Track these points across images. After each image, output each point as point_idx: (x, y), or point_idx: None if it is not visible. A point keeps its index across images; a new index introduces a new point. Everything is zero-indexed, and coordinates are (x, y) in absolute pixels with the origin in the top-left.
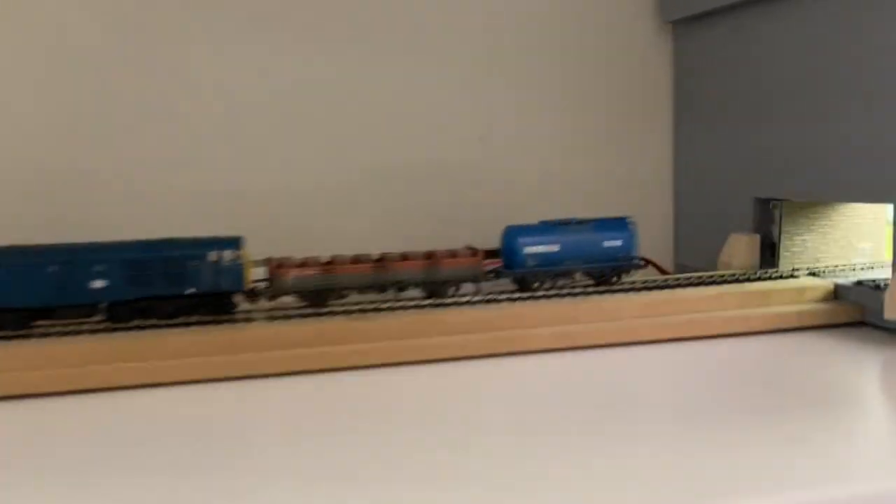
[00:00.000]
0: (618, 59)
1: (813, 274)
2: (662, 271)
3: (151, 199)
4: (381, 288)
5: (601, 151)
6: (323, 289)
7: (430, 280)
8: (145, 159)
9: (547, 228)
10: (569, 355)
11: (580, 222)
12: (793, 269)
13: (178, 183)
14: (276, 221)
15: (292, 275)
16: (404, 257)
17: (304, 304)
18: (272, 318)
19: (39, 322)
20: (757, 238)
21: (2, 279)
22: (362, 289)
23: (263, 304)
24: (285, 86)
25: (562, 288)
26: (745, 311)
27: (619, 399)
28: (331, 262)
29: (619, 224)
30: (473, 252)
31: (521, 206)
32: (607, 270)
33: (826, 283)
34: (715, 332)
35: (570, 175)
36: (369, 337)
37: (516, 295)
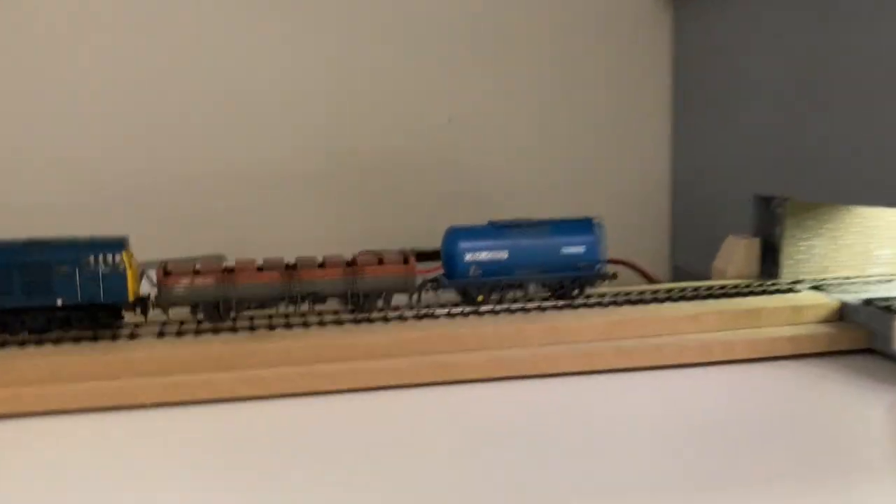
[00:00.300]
0: (613, 40)
1: (817, 287)
2: (648, 277)
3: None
4: (293, 300)
5: (592, 140)
6: (222, 301)
7: (353, 291)
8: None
9: (494, 231)
10: (510, 387)
11: (534, 224)
12: (794, 282)
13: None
14: (231, 213)
15: (183, 284)
16: (321, 264)
17: (201, 318)
18: (162, 335)
19: None
20: (756, 242)
21: None
22: (269, 301)
23: (158, 317)
24: (248, 70)
25: (512, 302)
26: (728, 335)
27: (557, 452)
28: (231, 270)
29: (581, 226)
30: (404, 258)
31: (499, 200)
32: (567, 281)
33: (829, 301)
34: (690, 359)
35: (556, 166)
36: (267, 360)
37: (454, 310)
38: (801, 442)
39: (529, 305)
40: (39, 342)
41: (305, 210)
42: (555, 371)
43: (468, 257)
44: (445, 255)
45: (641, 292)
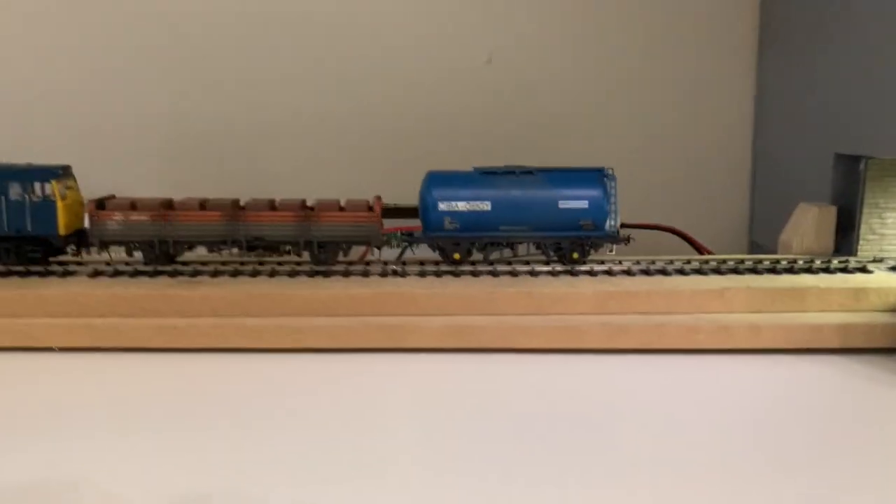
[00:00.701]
0: None
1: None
2: (697, 248)
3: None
4: (237, 244)
5: (661, 91)
6: (158, 240)
7: (306, 240)
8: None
9: (475, 179)
10: (468, 360)
11: (526, 172)
12: (872, 260)
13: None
14: (260, 161)
15: (116, 219)
16: (271, 206)
17: (135, 260)
18: (97, 275)
19: None
20: (830, 211)
21: None
22: (211, 244)
23: (93, 255)
24: (271, 10)
25: (495, 264)
26: (757, 318)
27: (504, 437)
28: (170, 206)
29: (585, 178)
30: (368, 206)
31: (545, 153)
32: (566, 243)
33: None
34: (699, 344)
35: (615, 119)
36: (187, 310)
37: (428, 269)
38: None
39: (519, 269)
40: None
41: (333, 157)
42: (526, 346)
43: (442, 207)
44: (420, 204)
45: (668, 262)
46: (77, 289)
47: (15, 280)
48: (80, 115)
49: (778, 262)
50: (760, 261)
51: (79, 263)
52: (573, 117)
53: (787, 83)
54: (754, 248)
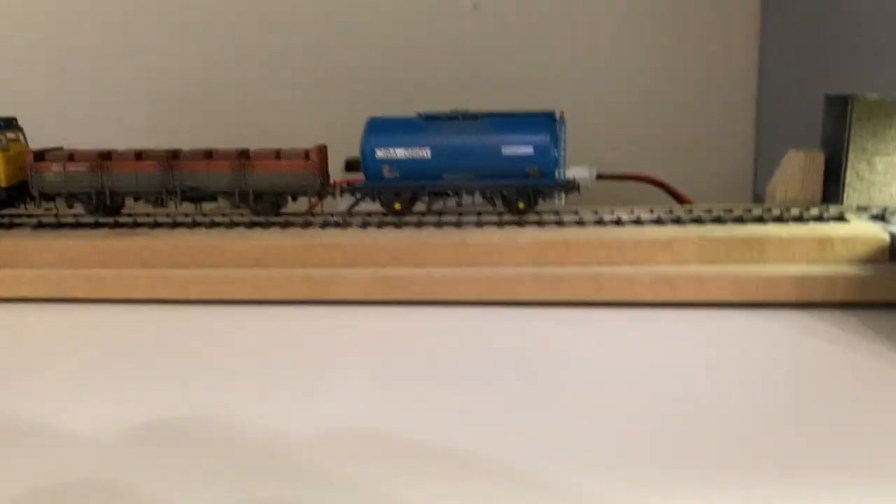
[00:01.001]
0: None
1: (881, 218)
2: (677, 197)
3: None
4: (173, 194)
5: (664, 35)
6: (96, 191)
7: (242, 190)
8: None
9: (415, 124)
10: (391, 313)
11: (469, 117)
12: (858, 209)
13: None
14: (241, 108)
15: (55, 170)
16: (208, 155)
17: (81, 210)
18: (40, 227)
19: None
20: (816, 157)
21: None
22: (148, 195)
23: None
24: None
25: (439, 215)
26: (705, 269)
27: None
28: (107, 157)
29: (531, 123)
30: (306, 154)
31: (533, 100)
32: (511, 192)
33: (878, 235)
34: (640, 296)
35: (610, 67)
36: (117, 261)
37: (370, 220)
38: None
39: (466, 220)
40: None
41: (320, 104)
42: (455, 298)
43: (380, 155)
44: (360, 153)
45: (629, 211)
46: (8, 241)
47: None
48: (67, 68)
49: (749, 210)
50: (730, 210)
51: (28, 215)
52: (566, 63)
53: (789, 24)
54: (758, 200)
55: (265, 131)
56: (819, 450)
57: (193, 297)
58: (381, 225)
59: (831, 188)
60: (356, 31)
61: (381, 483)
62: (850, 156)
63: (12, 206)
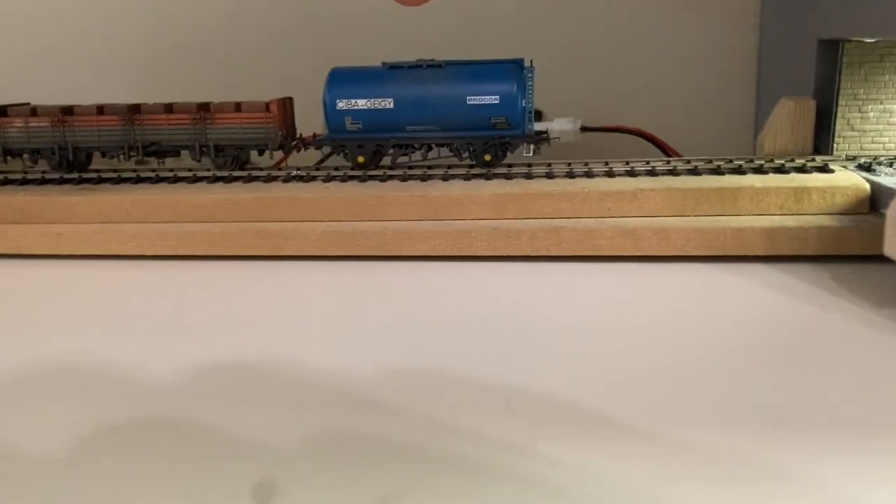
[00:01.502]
0: None
1: (867, 168)
2: (666, 150)
3: None
4: (133, 150)
5: None
6: (57, 147)
7: (201, 143)
8: None
9: (377, 74)
10: (345, 268)
11: (435, 66)
12: (847, 159)
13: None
14: (224, 62)
15: (17, 126)
16: (167, 109)
17: (41, 167)
18: (4, 182)
19: None
20: (808, 105)
21: None
22: (109, 149)
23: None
24: None
25: (407, 169)
26: (670, 221)
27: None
28: (70, 112)
29: (496, 71)
30: (266, 106)
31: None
32: (477, 144)
33: (857, 185)
34: (598, 251)
35: (609, 12)
36: (74, 216)
37: (333, 174)
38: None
39: (432, 174)
40: None
41: (306, 57)
42: (410, 253)
43: (341, 105)
44: (323, 104)
45: (603, 164)
46: None
47: None
48: (51, 24)
49: (730, 161)
50: (710, 160)
51: None
52: (556, 11)
53: None
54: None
55: (238, 86)
56: (783, 409)
57: (147, 252)
58: (345, 179)
59: (822, 138)
60: None
61: None
62: (841, 103)
63: None
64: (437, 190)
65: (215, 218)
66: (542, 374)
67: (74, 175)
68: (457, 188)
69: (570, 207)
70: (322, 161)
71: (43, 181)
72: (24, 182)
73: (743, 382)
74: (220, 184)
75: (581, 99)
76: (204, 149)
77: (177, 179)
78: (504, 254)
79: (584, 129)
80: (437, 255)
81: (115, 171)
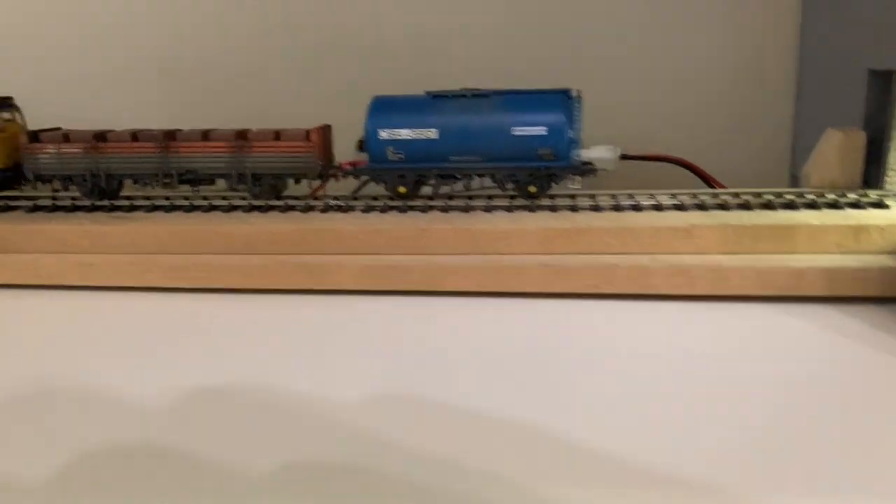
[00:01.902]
0: None
1: None
2: (708, 181)
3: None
4: (169, 177)
5: (695, 6)
6: (91, 173)
7: (239, 171)
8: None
9: (421, 103)
10: (388, 302)
11: (480, 95)
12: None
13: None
14: (252, 88)
15: (49, 152)
16: (205, 136)
17: (76, 194)
18: (34, 210)
19: None
20: (858, 137)
21: None
22: (144, 177)
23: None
24: None
25: (447, 199)
26: (727, 260)
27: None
28: (103, 138)
29: (544, 101)
30: (306, 135)
31: (565, 78)
32: (522, 175)
33: None
34: (653, 290)
35: (646, 37)
36: (109, 246)
37: (373, 203)
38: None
39: (473, 205)
40: None
41: (334, 85)
42: (455, 288)
43: (383, 135)
44: (365, 133)
45: (648, 196)
46: (4, 225)
47: None
48: (78, 47)
49: (780, 195)
50: (759, 194)
51: (26, 198)
52: (594, 39)
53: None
54: (796, 183)
55: (273, 112)
56: (843, 460)
57: (182, 284)
58: (385, 210)
59: (872, 171)
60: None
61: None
62: (895, 135)
63: (8, 188)
64: (481, 223)
65: (253, 250)
66: (607, 419)
67: (106, 202)
68: (502, 221)
69: (620, 243)
70: (358, 189)
71: (74, 208)
72: (54, 209)
73: (812, 437)
74: (257, 213)
75: (610, 126)
76: (241, 177)
77: (211, 208)
78: (553, 291)
79: (624, 157)
80: (483, 290)
81: (147, 198)
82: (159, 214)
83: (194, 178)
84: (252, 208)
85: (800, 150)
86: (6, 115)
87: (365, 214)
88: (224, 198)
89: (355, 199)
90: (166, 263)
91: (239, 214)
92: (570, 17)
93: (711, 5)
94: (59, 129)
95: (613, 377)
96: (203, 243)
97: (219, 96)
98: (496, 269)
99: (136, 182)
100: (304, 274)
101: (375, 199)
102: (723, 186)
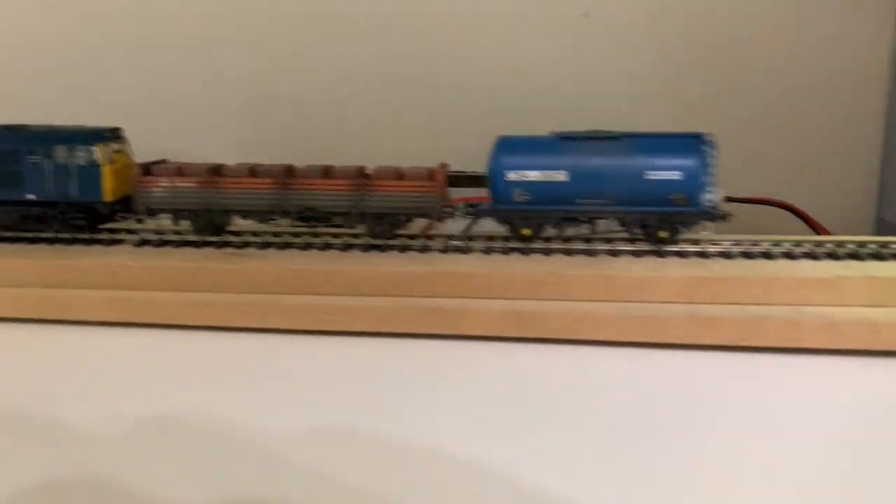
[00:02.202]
0: None
1: None
2: (815, 227)
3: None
4: (287, 214)
5: (781, 46)
6: (206, 209)
7: (359, 210)
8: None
9: (551, 144)
10: (528, 351)
11: (610, 138)
12: None
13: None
14: (332, 123)
15: (162, 185)
16: (325, 173)
17: (186, 229)
18: (142, 244)
19: None
20: None
21: None
22: (261, 214)
23: (137, 223)
24: None
25: (571, 242)
26: (878, 313)
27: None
28: (218, 172)
29: (678, 145)
30: (430, 174)
31: (651, 118)
32: (652, 220)
33: None
34: (801, 343)
35: (730, 79)
36: (226, 285)
37: (494, 245)
38: None
39: (598, 248)
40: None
41: (412, 120)
42: (598, 338)
43: (511, 177)
44: (488, 173)
45: (773, 243)
46: (115, 259)
47: (59, 248)
48: (160, 79)
49: None
50: (887, 244)
51: (130, 232)
52: (678, 78)
53: None
54: (883, 226)
55: (368, 147)
56: None
57: (302, 326)
58: (506, 251)
59: None
60: (450, 38)
61: None
62: None
63: (113, 220)
64: (617, 268)
65: (379, 292)
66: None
67: (215, 238)
68: (637, 267)
69: (765, 294)
70: (468, 229)
71: (182, 243)
72: (162, 244)
73: None
74: (375, 252)
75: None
76: (361, 216)
77: (326, 246)
78: (699, 342)
79: (728, 199)
80: (625, 340)
81: (254, 234)
82: (273, 252)
83: (312, 216)
84: (369, 247)
85: (887, 193)
86: (116, 146)
87: (487, 256)
88: (335, 236)
89: (470, 239)
90: (289, 304)
91: (357, 254)
92: (652, 57)
93: (793, 43)
94: (164, 160)
95: (783, 440)
96: (325, 284)
97: (291, 130)
98: (640, 318)
99: (245, 218)
100: (435, 318)
101: (491, 239)
102: (828, 232)
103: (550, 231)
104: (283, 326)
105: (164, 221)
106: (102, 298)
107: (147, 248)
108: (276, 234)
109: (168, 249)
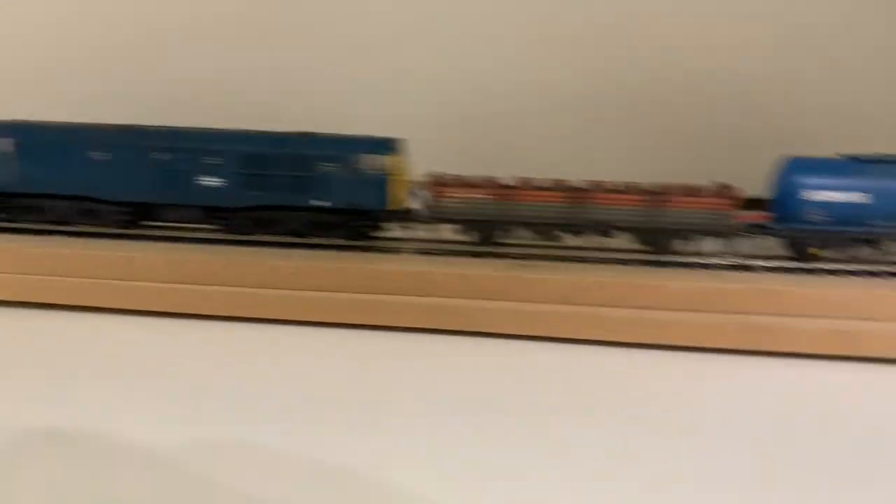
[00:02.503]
0: None
1: None
2: None
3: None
4: (576, 229)
5: None
6: (495, 220)
7: (650, 226)
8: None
9: (849, 166)
10: (852, 368)
11: None
12: None
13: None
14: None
15: (455, 196)
16: (615, 189)
17: (467, 238)
18: (422, 252)
19: (146, 222)
20: None
21: (102, 164)
22: (549, 226)
23: (417, 232)
24: None
25: (861, 263)
26: None
27: None
28: (510, 186)
29: None
30: (722, 191)
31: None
32: None
33: None
34: None
35: None
36: (532, 295)
37: (781, 265)
38: None
39: (892, 269)
40: (289, 245)
41: (596, 138)
42: None
43: (807, 196)
44: (780, 192)
45: None
46: (388, 266)
47: (337, 253)
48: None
49: None
50: None
51: (401, 240)
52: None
53: None
54: None
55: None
56: None
57: (622, 339)
58: (792, 270)
59: None
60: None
61: None
62: None
63: (381, 228)
64: None
65: (690, 308)
66: None
67: (493, 248)
68: None
69: None
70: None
71: (459, 253)
72: (439, 253)
73: None
74: (656, 267)
75: None
76: (652, 233)
77: (607, 261)
78: None
79: None
80: None
81: (536, 246)
82: (553, 263)
83: (601, 230)
84: (652, 262)
85: None
86: (399, 157)
87: (777, 274)
88: (620, 250)
89: (742, 256)
90: (605, 316)
91: (637, 268)
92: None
93: None
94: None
95: None
96: (636, 297)
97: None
98: None
99: (532, 230)
100: (754, 335)
101: (767, 258)
102: None
103: (838, 253)
104: (598, 338)
105: (425, 231)
106: (410, 305)
107: (429, 257)
108: (556, 247)
109: (448, 258)
